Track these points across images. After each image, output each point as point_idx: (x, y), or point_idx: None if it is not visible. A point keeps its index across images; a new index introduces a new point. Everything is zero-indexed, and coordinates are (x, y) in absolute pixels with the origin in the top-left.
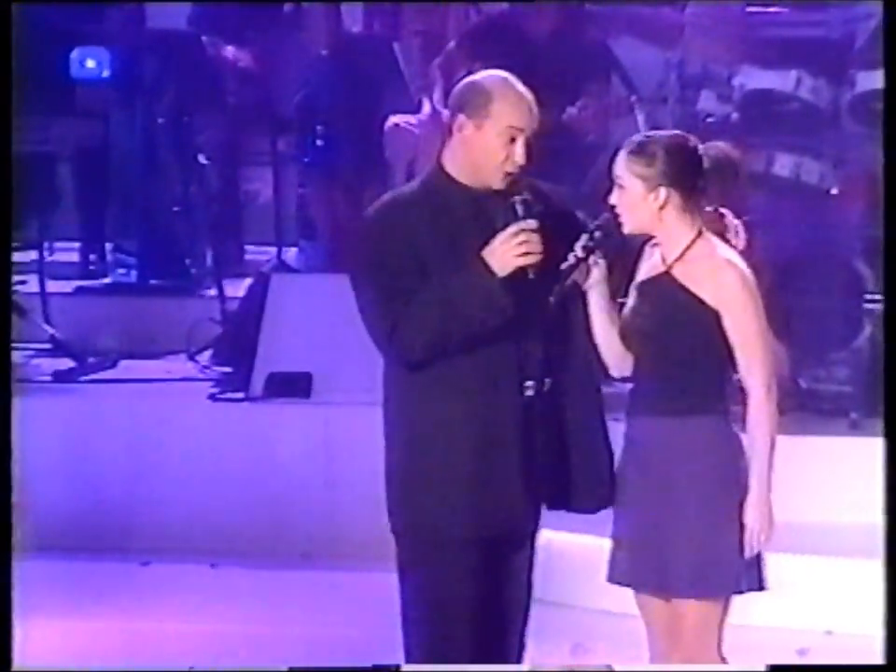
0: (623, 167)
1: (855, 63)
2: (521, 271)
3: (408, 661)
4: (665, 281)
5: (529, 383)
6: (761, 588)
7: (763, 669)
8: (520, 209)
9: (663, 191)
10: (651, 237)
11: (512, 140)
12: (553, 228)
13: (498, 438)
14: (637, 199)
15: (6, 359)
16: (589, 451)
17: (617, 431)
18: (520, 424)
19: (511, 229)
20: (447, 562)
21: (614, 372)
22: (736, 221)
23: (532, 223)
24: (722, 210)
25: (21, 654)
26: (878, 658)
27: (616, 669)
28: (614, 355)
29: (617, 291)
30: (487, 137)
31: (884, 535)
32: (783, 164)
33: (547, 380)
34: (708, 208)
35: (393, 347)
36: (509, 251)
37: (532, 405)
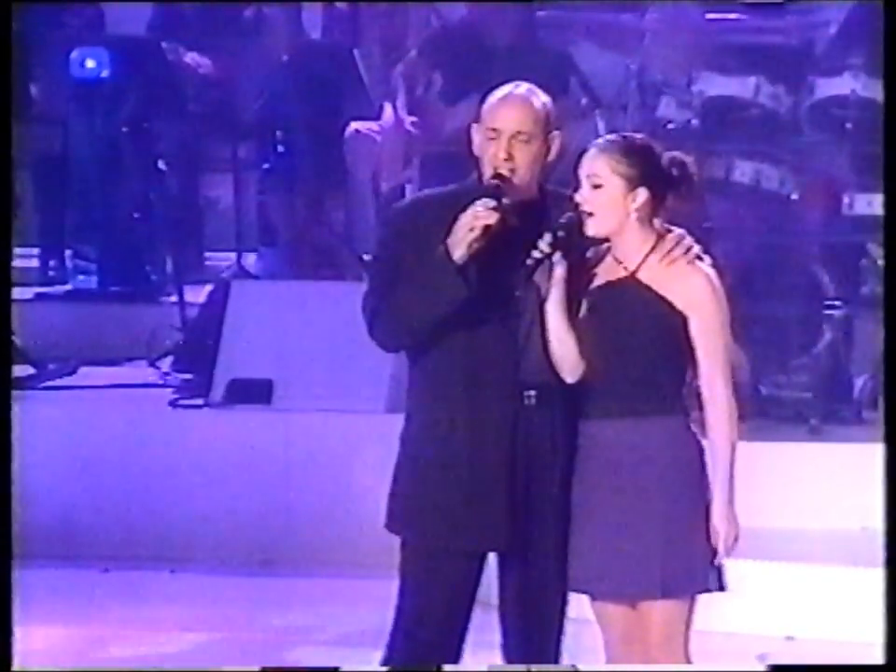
0: (604, 165)
1: (814, 70)
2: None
3: (387, 662)
4: (630, 285)
5: (531, 392)
6: (722, 588)
7: (763, 670)
8: (492, 191)
9: (641, 192)
10: (603, 241)
11: (492, 141)
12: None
13: (493, 445)
14: (616, 198)
15: (5, 365)
16: None
17: None
18: (519, 430)
19: (469, 210)
20: (427, 569)
21: (568, 378)
22: (687, 240)
23: (488, 202)
24: (670, 227)
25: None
26: (842, 662)
27: (580, 669)
28: (571, 359)
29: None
30: (478, 139)
31: (884, 540)
32: (743, 171)
33: (546, 387)
34: (658, 225)
35: (373, 335)
36: (459, 231)
37: (532, 413)
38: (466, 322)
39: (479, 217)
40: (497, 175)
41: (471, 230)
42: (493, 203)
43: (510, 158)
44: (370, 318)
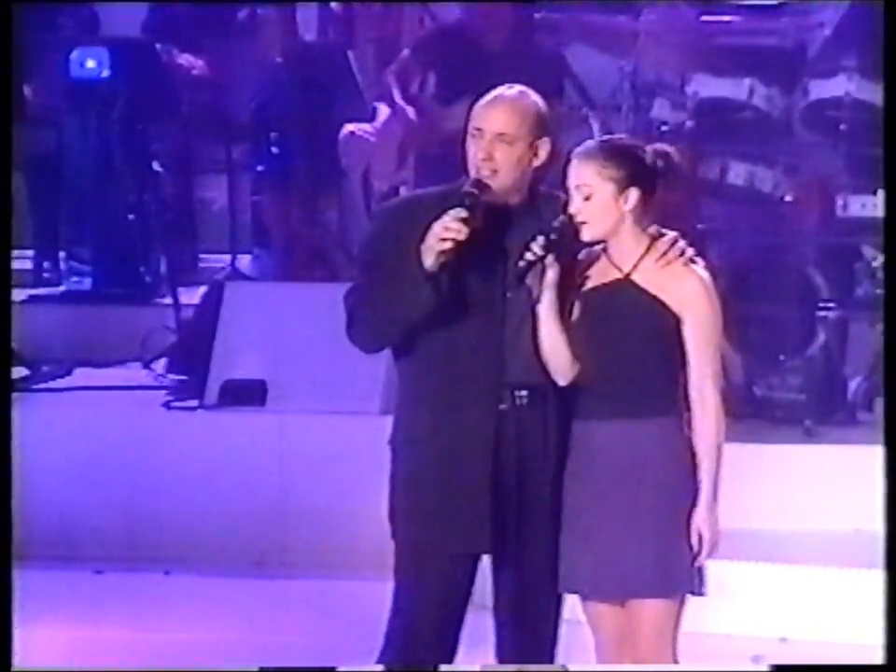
0: (592, 173)
1: (808, 72)
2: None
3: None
4: (625, 286)
5: (522, 392)
6: (702, 593)
7: (764, 669)
8: (467, 201)
9: (633, 192)
10: (597, 244)
11: (474, 139)
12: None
13: (476, 446)
14: (608, 203)
15: (5, 368)
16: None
17: None
18: (509, 431)
19: (441, 219)
20: (420, 570)
21: (560, 380)
22: (681, 242)
23: (461, 212)
24: (664, 231)
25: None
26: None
27: (571, 669)
28: (563, 361)
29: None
30: (467, 138)
31: (884, 542)
32: (737, 173)
33: (538, 388)
34: (653, 229)
35: (349, 334)
36: (430, 239)
37: (524, 413)
38: (448, 324)
39: (448, 229)
40: (476, 183)
41: (442, 240)
42: (465, 213)
43: (489, 158)
44: (347, 317)
